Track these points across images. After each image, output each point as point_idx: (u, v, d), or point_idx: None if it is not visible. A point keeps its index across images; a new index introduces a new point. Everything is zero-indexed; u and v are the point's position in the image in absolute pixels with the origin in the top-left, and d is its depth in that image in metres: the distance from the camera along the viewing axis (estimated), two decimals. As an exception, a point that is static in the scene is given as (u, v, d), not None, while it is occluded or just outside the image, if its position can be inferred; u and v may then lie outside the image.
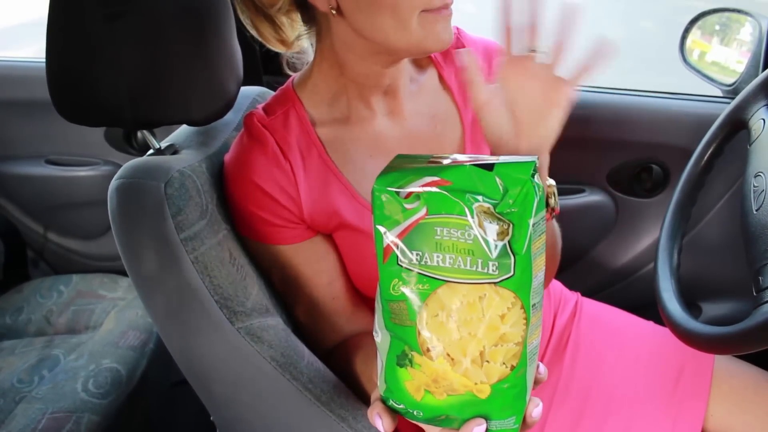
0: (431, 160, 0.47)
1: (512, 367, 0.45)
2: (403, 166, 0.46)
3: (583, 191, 1.27)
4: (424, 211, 0.44)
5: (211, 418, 0.77)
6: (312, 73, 0.75)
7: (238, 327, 0.66)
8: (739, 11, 1.20)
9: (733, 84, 1.18)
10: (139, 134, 1.45)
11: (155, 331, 1.18)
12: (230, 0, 0.73)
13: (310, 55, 0.78)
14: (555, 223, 0.77)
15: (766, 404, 0.82)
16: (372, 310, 0.74)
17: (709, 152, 0.86)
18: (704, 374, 0.85)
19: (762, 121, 0.78)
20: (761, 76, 0.83)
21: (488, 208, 0.42)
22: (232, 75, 0.73)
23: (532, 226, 0.43)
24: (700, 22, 1.22)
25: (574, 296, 0.99)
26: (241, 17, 0.74)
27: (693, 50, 1.24)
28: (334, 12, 0.66)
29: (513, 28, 0.63)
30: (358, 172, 0.73)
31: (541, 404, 0.49)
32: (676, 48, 1.23)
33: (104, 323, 1.23)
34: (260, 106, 0.75)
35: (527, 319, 0.44)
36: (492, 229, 0.42)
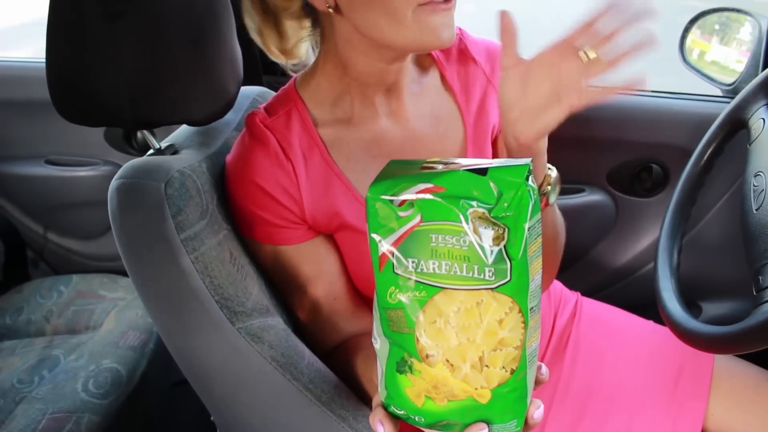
0: (424, 165, 0.46)
1: (512, 371, 0.45)
2: (396, 173, 0.46)
3: (582, 191, 1.27)
4: (418, 218, 0.44)
5: (212, 419, 0.77)
6: (315, 74, 0.75)
7: (238, 327, 0.66)
8: (738, 11, 1.20)
9: (733, 83, 1.18)
10: (139, 134, 1.45)
11: (155, 331, 1.18)
12: (230, 0, 0.73)
13: (311, 59, 0.78)
14: (558, 215, 0.75)
15: (767, 403, 0.82)
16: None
17: (708, 152, 0.86)
18: (704, 374, 0.85)
19: (762, 120, 0.78)
20: (761, 75, 0.83)
21: (483, 213, 0.42)
22: (232, 75, 0.73)
23: (528, 229, 0.42)
24: (699, 22, 1.22)
25: (574, 296, 0.99)
26: (247, 22, 0.74)
27: (693, 50, 1.24)
28: (331, 10, 0.65)
29: (594, 27, 0.56)
30: (360, 172, 0.73)
31: (542, 406, 0.49)
32: (675, 47, 1.23)
33: (104, 323, 1.23)
34: (262, 106, 0.75)
35: (525, 322, 0.44)
36: (487, 234, 0.42)
